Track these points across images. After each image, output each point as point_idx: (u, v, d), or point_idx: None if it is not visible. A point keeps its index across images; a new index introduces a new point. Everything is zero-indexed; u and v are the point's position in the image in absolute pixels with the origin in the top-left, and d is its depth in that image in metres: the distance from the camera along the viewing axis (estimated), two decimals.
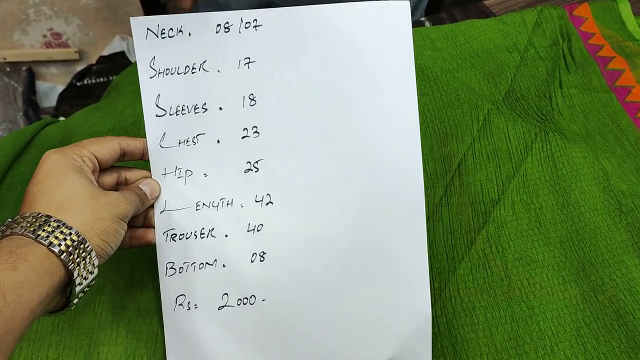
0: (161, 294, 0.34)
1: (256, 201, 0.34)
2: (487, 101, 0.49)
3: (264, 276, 0.34)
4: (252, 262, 0.34)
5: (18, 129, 0.51)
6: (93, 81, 1.21)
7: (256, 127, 0.34)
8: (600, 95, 0.51)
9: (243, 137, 0.34)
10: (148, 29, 0.33)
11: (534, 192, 0.43)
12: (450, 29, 0.58)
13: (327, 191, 0.34)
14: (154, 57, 0.33)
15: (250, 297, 0.34)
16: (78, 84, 1.20)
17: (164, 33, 0.33)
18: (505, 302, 0.37)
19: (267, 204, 0.34)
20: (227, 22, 0.34)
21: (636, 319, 0.36)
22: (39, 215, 0.26)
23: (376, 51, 0.35)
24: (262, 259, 0.34)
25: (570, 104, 0.51)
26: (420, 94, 0.50)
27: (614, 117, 0.50)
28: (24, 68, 1.22)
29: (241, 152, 0.34)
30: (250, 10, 0.33)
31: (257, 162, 0.34)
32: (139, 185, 0.33)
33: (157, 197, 0.34)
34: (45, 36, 1.25)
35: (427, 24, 0.61)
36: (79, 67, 1.28)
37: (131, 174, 0.35)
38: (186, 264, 0.34)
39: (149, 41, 0.33)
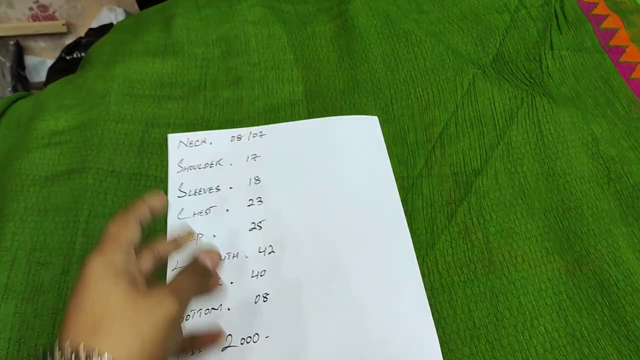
0: None
1: (259, 252, 0.38)
2: (474, 66, 0.47)
3: (267, 315, 0.35)
4: (255, 303, 0.36)
5: None
6: (83, 54, 1.18)
7: (260, 197, 0.40)
8: (592, 56, 0.49)
9: (249, 205, 0.40)
10: (180, 141, 0.43)
11: (519, 161, 0.41)
12: None
13: (321, 246, 0.38)
14: (182, 159, 0.42)
15: (254, 335, 0.34)
16: (67, 57, 1.17)
17: (192, 143, 0.43)
18: (485, 277, 0.36)
19: (269, 253, 0.38)
20: (240, 134, 0.44)
21: (620, 290, 0.35)
22: (71, 355, 0.22)
23: (353, 144, 0.43)
24: (265, 299, 0.36)
25: (561, 66, 0.48)
26: (403, 59, 0.48)
27: (607, 78, 0.47)
28: (12, 42, 1.20)
29: (247, 216, 0.39)
30: (258, 126, 0.44)
31: (260, 222, 0.39)
32: (198, 257, 0.29)
33: (220, 266, 0.30)
34: (31, 9, 1.22)
35: None
36: (68, 41, 1.25)
37: (162, 247, 0.31)
38: (193, 311, 0.35)
39: (180, 149, 0.43)
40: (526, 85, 0.46)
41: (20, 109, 0.49)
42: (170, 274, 0.37)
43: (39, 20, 1.23)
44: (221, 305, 0.36)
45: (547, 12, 0.53)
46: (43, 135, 0.44)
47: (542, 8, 0.53)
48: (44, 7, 1.22)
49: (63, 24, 1.23)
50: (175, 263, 0.37)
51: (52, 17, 1.24)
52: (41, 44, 1.26)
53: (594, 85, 0.47)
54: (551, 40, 0.50)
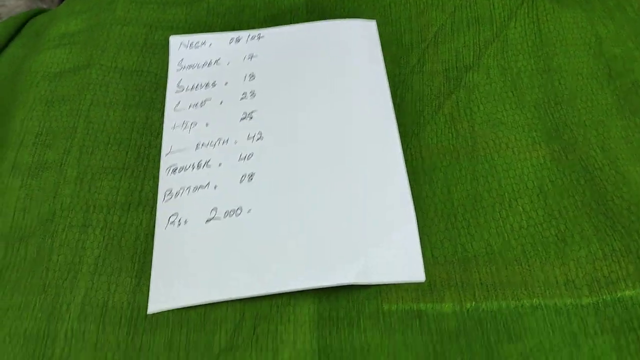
0: (156, 218, 0.36)
1: (248, 138, 0.39)
2: None
3: (251, 192, 0.36)
4: (240, 182, 0.37)
5: (9, 17, 0.53)
6: None
7: (253, 91, 0.42)
8: None
9: (241, 99, 0.41)
10: (181, 42, 0.45)
11: (513, 57, 0.40)
12: None
13: (310, 134, 0.39)
14: (182, 59, 0.44)
15: (237, 209, 0.36)
16: None
17: (192, 45, 0.45)
18: (467, 162, 0.36)
19: (257, 139, 0.39)
20: (239, 36, 0.45)
21: (604, 173, 0.34)
22: None
23: (349, 46, 0.43)
24: (250, 179, 0.37)
25: None
26: None
27: None
28: None
29: (239, 107, 0.41)
30: (257, 29, 0.45)
31: (251, 112, 0.40)
32: None
33: None
34: None
35: None
36: None
37: None
38: (182, 189, 0.37)
39: (180, 50, 0.44)
40: None
41: (39, 20, 0.52)
42: (163, 158, 0.39)
43: None
44: (209, 183, 0.37)
45: None
46: (54, 37, 0.46)
47: None
48: None
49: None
50: (169, 148, 0.39)
51: None
52: None
53: None
54: None
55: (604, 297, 0.30)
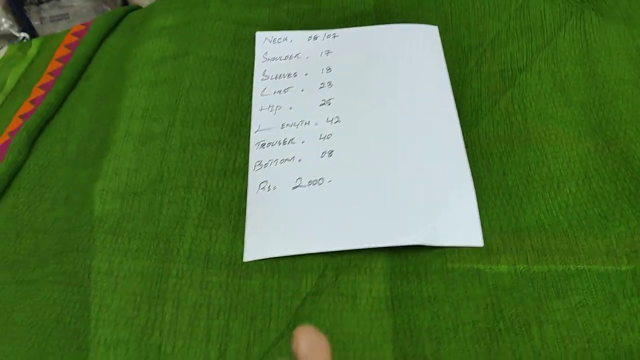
0: (248, 184, 0.42)
1: (327, 121, 0.45)
2: None
3: (331, 165, 0.42)
4: (321, 157, 0.43)
5: (109, 11, 0.60)
6: None
7: (330, 82, 0.48)
8: None
9: (320, 88, 0.47)
10: (266, 37, 0.52)
11: (562, 63, 0.46)
12: None
13: (381, 119, 0.45)
14: (267, 52, 0.50)
15: (320, 179, 0.42)
16: None
17: (275, 40, 0.51)
18: (521, 149, 0.41)
19: (335, 122, 0.45)
20: (316, 35, 0.52)
21: None
22: None
23: (414, 47, 0.50)
24: (329, 154, 0.43)
25: None
26: None
27: None
28: None
29: (318, 95, 0.47)
30: (331, 29, 0.52)
31: (329, 99, 0.46)
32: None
33: None
34: None
35: None
36: None
37: None
38: (270, 161, 0.43)
39: (265, 44, 0.51)
40: (577, 1, 0.50)
41: (134, 16, 0.59)
42: (252, 134, 0.45)
43: None
44: (294, 157, 0.43)
45: None
46: (154, 29, 0.53)
47: None
48: None
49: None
50: (257, 127, 0.45)
51: None
52: None
53: None
54: None
55: None
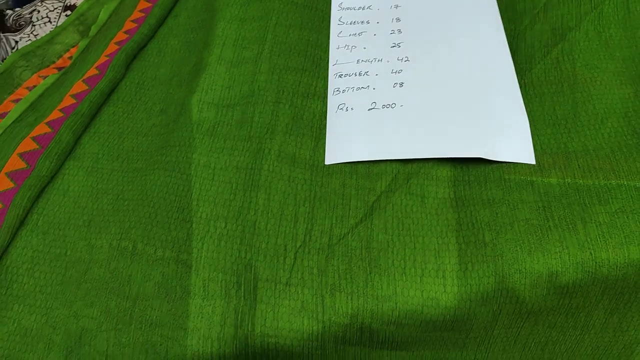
0: (328, 106, 0.48)
1: (398, 59, 0.51)
2: None
3: (402, 93, 0.48)
4: (393, 87, 0.49)
5: None
6: None
7: (399, 29, 0.54)
8: None
9: (391, 33, 0.54)
10: None
11: (606, 25, 0.52)
12: None
13: (445, 60, 0.51)
14: (341, 2, 0.57)
15: (392, 104, 0.48)
16: None
17: None
18: (569, 90, 0.47)
19: (405, 60, 0.51)
20: None
21: None
22: None
23: (475, 7, 0.56)
24: (400, 85, 0.49)
25: None
26: None
27: None
28: None
29: (389, 39, 0.53)
30: None
31: (399, 43, 0.52)
32: None
33: None
34: None
35: None
36: None
37: None
38: (347, 88, 0.49)
39: None
40: None
41: None
42: (331, 67, 0.51)
43: None
44: (369, 86, 0.49)
45: None
46: None
47: None
48: None
49: None
50: (335, 61, 0.51)
51: None
52: None
53: None
54: None
55: None
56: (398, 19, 0.55)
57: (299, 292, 0.38)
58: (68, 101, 0.50)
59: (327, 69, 0.51)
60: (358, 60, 0.51)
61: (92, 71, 0.54)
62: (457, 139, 0.45)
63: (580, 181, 0.42)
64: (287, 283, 0.38)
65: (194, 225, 0.41)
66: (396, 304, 0.37)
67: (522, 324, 0.40)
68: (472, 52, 0.51)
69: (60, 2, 0.67)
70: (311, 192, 0.43)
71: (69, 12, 0.65)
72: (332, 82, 0.50)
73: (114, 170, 0.46)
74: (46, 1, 0.67)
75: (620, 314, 0.41)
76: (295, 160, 0.44)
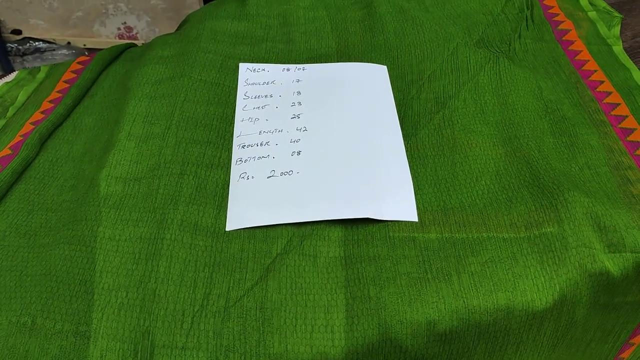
0: (230, 175, 0.52)
1: (297, 129, 0.56)
2: (460, 40, 0.66)
3: (299, 161, 0.53)
4: (292, 155, 0.53)
5: (111, 46, 0.70)
6: None
7: (300, 101, 0.59)
8: (549, 45, 0.67)
9: (291, 106, 0.59)
10: (247, 68, 0.63)
11: (482, 94, 0.58)
12: None
13: (339, 129, 0.56)
14: (247, 79, 0.62)
15: (289, 171, 0.52)
16: None
17: (255, 70, 0.63)
18: (449, 152, 0.53)
19: (303, 130, 0.56)
20: (288, 67, 0.64)
21: (538, 164, 0.50)
22: None
23: (367, 80, 0.62)
24: (298, 154, 0.53)
25: (525, 49, 0.66)
26: (409, 34, 0.67)
27: (557, 59, 0.65)
28: None
29: (290, 110, 0.58)
30: (301, 64, 0.64)
31: (299, 114, 0.57)
32: None
33: None
34: (119, 29, 1.48)
35: None
36: None
37: None
38: (249, 157, 0.53)
39: (246, 72, 0.62)
40: (495, 53, 0.64)
41: (134, 50, 0.70)
42: (235, 138, 0.55)
43: (124, 39, 1.49)
44: (268, 155, 0.53)
45: (519, 17, 0.72)
46: (153, 58, 0.63)
47: (517, 14, 0.72)
48: (129, 29, 1.48)
49: (142, 44, 1.48)
50: (239, 133, 0.55)
51: (134, 37, 1.50)
52: None
53: (547, 62, 0.64)
54: (520, 33, 0.68)
55: (534, 232, 0.45)
56: (299, 92, 0.60)
57: (195, 355, 0.40)
58: None
59: (231, 140, 0.55)
60: (260, 132, 0.55)
61: (5, 151, 0.56)
62: (348, 201, 0.49)
63: (456, 235, 0.46)
64: (183, 347, 0.40)
65: (95, 296, 0.42)
66: None
67: None
68: (364, 122, 0.56)
69: None
70: (211, 257, 0.45)
71: None
72: (236, 153, 0.53)
73: (20, 247, 0.47)
74: None
75: (498, 357, 0.44)
76: (197, 228, 0.47)
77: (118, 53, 0.70)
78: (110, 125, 0.57)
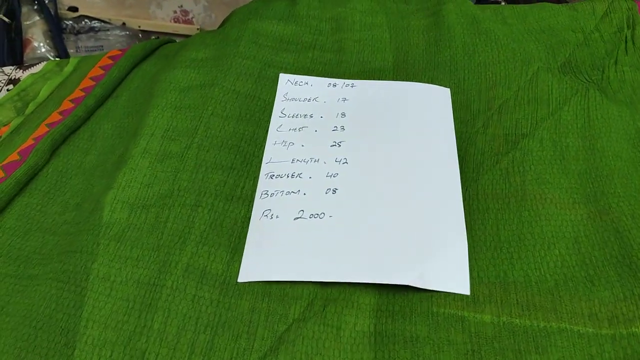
0: (253, 211, 0.44)
1: (336, 161, 0.47)
2: (542, 64, 0.55)
3: (333, 202, 0.44)
4: (326, 193, 0.45)
5: (146, 41, 0.64)
6: None
7: (343, 126, 0.50)
8: None
9: (333, 130, 0.50)
10: (288, 79, 0.55)
11: (564, 134, 0.48)
12: (523, 9, 0.64)
13: (386, 166, 0.47)
14: (287, 92, 0.54)
15: (321, 213, 0.44)
16: None
17: (296, 83, 0.54)
18: (516, 208, 0.43)
19: (343, 163, 0.47)
20: (335, 83, 0.55)
21: (632, 235, 0.40)
22: None
23: (426, 104, 0.52)
24: (334, 192, 0.45)
25: (622, 78, 0.55)
26: (481, 50, 0.57)
27: None
28: (153, 37, 1.41)
29: (331, 136, 0.49)
30: (350, 79, 0.55)
31: (340, 142, 0.49)
32: None
33: None
34: (175, 12, 1.43)
35: (503, 2, 0.68)
36: None
37: None
38: (277, 191, 0.45)
39: (287, 85, 0.54)
40: (584, 82, 0.53)
41: (169, 47, 0.63)
42: (264, 165, 0.47)
43: (179, 23, 1.44)
44: (299, 190, 0.45)
45: (617, 38, 0.60)
46: (186, 60, 0.56)
47: (614, 35, 0.60)
48: (185, 12, 1.42)
49: (197, 29, 1.43)
50: (269, 159, 0.48)
51: (189, 22, 1.45)
52: (177, 40, 1.46)
53: None
54: (617, 58, 0.57)
55: (621, 330, 0.36)
56: (344, 114, 0.51)
57: None
58: None
59: (259, 167, 0.47)
60: (293, 160, 0.47)
61: (14, 156, 0.50)
62: (385, 261, 0.40)
63: (517, 321, 0.37)
64: None
65: (76, 353, 0.36)
66: None
67: None
68: (416, 159, 0.47)
69: (5, 75, 0.64)
70: (215, 316, 0.38)
71: (11, 86, 0.62)
72: (262, 184, 0.46)
73: (7, 276, 0.42)
74: None
75: None
76: (205, 276, 0.40)
77: (152, 49, 0.63)
78: (128, 135, 0.51)
